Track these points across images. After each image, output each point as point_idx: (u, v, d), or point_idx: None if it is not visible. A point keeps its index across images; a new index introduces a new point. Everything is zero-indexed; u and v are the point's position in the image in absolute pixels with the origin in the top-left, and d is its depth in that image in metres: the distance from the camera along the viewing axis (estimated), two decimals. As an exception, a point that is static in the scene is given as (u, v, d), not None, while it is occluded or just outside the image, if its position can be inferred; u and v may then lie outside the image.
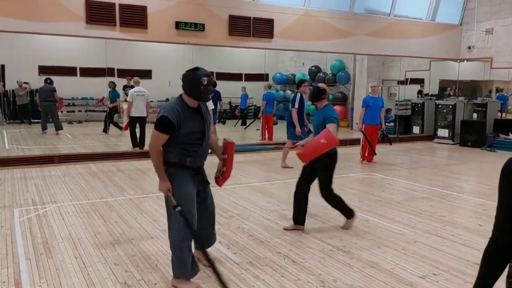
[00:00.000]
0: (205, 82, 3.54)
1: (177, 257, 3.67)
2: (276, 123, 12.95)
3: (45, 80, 13.54)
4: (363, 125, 9.81)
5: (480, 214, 5.99)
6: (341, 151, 11.08)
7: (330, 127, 4.89)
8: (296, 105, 8.53)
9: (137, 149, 10.52)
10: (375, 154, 9.96)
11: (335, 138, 4.82)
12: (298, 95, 8.59)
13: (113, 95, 13.52)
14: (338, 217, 5.73)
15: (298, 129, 8.41)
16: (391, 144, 11.04)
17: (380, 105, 9.87)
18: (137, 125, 10.73)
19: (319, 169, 5.07)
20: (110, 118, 13.53)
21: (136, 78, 11.38)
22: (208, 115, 3.72)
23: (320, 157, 4.85)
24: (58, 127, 13.39)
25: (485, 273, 1.80)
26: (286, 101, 19.75)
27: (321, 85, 5.40)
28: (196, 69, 3.62)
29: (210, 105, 7.06)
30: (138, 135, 10.74)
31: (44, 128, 13.47)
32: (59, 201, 6.37)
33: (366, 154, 9.92)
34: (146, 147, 10.12)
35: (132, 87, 15.09)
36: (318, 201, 6.52)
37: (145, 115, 10.69)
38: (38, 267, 4.04)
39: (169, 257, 4.28)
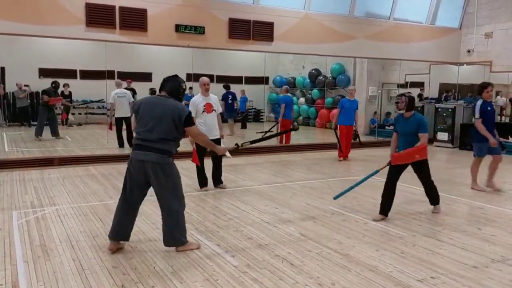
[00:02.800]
0: (184, 87, 4.47)
1: (181, 224, 4.45)
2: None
3: (51, 84, 13.14)
4: (338, 125, 10.58)
5: (479, 218, 5.99)
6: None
7: (423, 137, 5.63)
8: (478, 115, 7.36)
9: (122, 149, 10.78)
10: (341, 151, 10.72)
11: (426, 152, 5.60)
12: (480, 101, 7.43)
13: None
14: (337, 220, 5.73)
15: (492, 140, 7.23)
16: (360, 144, 11.38)
17: (355, 107, 10.56)
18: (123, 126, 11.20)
19: (424, 168, 5.87)
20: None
21: (118, 80, 11.78)
22: None
23: (422, 161, 5.67)
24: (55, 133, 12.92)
25: None
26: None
27: (410, 93, 5.91)
28: (176, 76, 4.50)
29: (219, 108, 7.38)
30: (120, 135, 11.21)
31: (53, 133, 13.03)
32: (58, 203, 6.37)
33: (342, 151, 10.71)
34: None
35: (132, 89, 15.22)
36: (317, 204, 6.53)
37: (129, 115, 10.97)
38: (36, 269, 4.04)
39: (168, 258, 4.29)
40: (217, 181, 7.42)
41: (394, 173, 5.76)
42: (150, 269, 4.08)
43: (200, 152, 6.53)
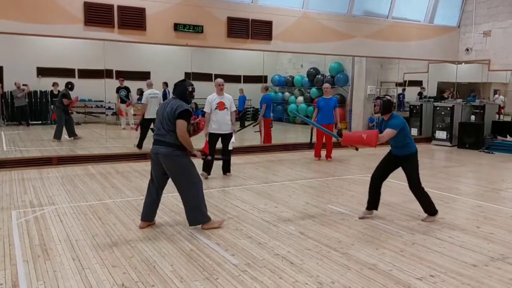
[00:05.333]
0: (191, 89, 5.12)
1: (198, 206, 5.08)
2: (271, 127, 12.48)
3: (66, 85, 13.02)
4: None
5: (477, 216, 6.00)
6: (338, 153, 11.14)
7: (386, 131, 5.39)
8: None
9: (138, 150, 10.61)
10: (315, 151, 10.70)
11: (374, 141, 5.30)
12: None
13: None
14: (336, 219, 5.74)
15: None
16: (338, 141, 11.17)
17: (333, 105, 10.34)
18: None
19: (409, 168, 5.61)
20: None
21: (149, 81, 11.48)
22: None
23: (407, 157, 5.54)
24: (55, 135, 12.65)
25: None
26: (285, 103, 19.82)
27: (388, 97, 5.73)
28: (184, 80, 5.22)
29: (233, 107, 8.31)
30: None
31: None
32: (57, 203, 6.36)
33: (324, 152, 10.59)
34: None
35: (125, 88, 15.22)
36: (316, 202, 6.54)
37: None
38: (35, 269, 4.04)
39: (167, 257, 4.30)
40: (227, 170, 8.58)
41: (379, 169, 5.75)
42: (150, 268, 4.08)
43: (212, 144, 7.98)
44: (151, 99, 10.77)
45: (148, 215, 5.30)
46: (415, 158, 5.63)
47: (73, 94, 13.02)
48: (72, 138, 12.63)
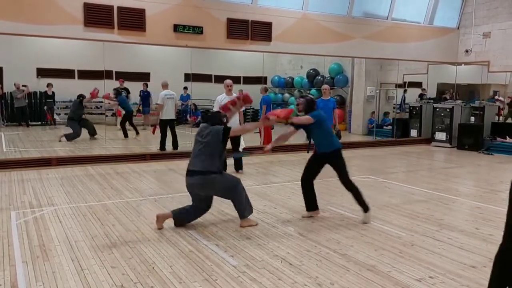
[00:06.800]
0: (225, 121, 5.45)
1: (243, 202, 5.36)
2: (272, 128, 12.56)
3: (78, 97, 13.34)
4: None
5: (476, 217, 6.01)
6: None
7: (303, 116, 5.64)
8: None
9: (171, 150, 10.69)
10: (308, 152, 10.50)
11: (287, 114, 5.62)
12: None
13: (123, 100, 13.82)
14: (335, 220, 5.74)
15: None
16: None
17: (332, 106, 10.38)
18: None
19: (337, 163, 5.66)
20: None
21: (164, 81, 11.29)
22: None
23: (332, 154, 5.62)
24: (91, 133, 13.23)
25: (495, 279, 1.80)
26: (285, 104, 19.80)
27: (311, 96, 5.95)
28: (218, 112, 5.73)
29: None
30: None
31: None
32: (56, 203, 6.36)
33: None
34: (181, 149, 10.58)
35: (125, 89, 15.24)
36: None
37: (174, 117, 10.95)
38: (34, 270, 4.04)
39: (167, 258, 4.30)
40: (238, 167, 8.84)
41: (306, 171, 5.80)
42: (149, 269, 4.08)
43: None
44: (167, 100, 10.73)
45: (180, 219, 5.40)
46: (340, 154, 5.73)
47: (71, 94, 13.10)
48: (92, 137, 13.06)
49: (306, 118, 5.60)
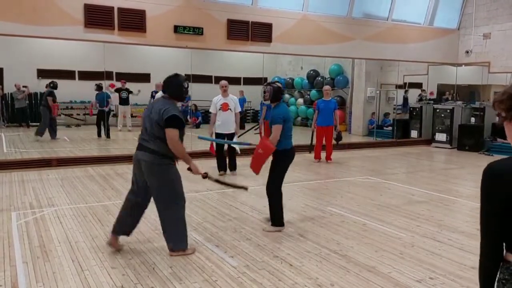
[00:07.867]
0: (186, 86, 4.47)
1: (181, 231, 4.39)
2: None
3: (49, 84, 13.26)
4: (316, 127, 10.50)
5: (477, 219, 5.93)
6: (338, 155, 11.14)
7: (274, 129, 5.21)
8: None
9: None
10: (313, 153, 10.65)
11: (271, 145, 5.12)
12: None
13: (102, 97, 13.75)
14: (335, 221, 5.74)
15: None
16: (337, 143, 10.96)
17: (333, 107, 10.35)
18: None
19: (272, 164, 5.37)
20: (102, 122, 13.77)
21: (160, 82, 10.99)
22: None
23: (278, 152, 5.25)
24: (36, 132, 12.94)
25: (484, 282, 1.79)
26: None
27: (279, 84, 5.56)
28: (177, 75, 4.50)
29: (237, 108, 8.67)
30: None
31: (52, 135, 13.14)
32: (57, 204, 6.36)
33: (325, 155, 10.49)
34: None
35: (126, 89, 15.19)
36: (315, 204, 6.54)
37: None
38: (35, 270, 4.04)
39: (167, 259, 4.29)
40: (232, 168, 8.73)
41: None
42: (149, 270, 4.08)
43: (218, 144, 8.31)
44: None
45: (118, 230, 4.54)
46: (282, 157, 5.35)
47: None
48: (54, 139, 12.88)
49: (277, 130, 5.27)
